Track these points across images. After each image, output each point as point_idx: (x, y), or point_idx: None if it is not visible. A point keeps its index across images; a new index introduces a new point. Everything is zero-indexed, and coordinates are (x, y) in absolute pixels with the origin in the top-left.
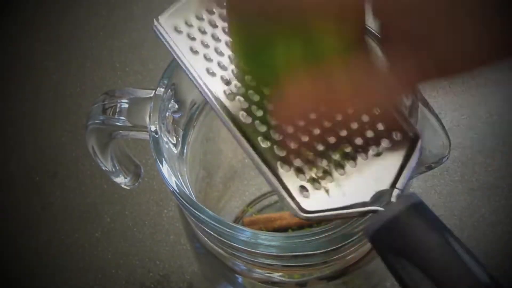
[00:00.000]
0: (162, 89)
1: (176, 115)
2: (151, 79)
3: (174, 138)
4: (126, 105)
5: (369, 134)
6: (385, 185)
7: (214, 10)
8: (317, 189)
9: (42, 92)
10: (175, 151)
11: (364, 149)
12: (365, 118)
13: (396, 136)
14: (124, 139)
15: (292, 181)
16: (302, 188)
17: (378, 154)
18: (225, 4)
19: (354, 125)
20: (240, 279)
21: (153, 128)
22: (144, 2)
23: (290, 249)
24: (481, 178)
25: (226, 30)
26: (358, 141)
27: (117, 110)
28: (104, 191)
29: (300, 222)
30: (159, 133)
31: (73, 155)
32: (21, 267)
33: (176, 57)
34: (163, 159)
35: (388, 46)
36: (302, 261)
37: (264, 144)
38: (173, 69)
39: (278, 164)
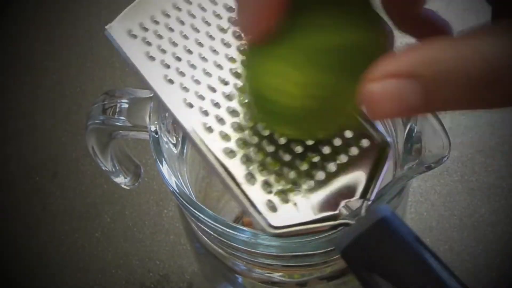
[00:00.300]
0: None
1: None
2: None
3: (174, 138)
4: (126, 105)
5: (337, 142)
6: (355, 196)
7: (169, 13)
8: (285, 202)
9: (42, 92)
10: (175, 151)
11: (332, 158)
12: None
13: (365, 143)
14: (124, 139)
15: (258, 195)
16: (270, 203)
17: (347, 164)
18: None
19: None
20: (240, 279)
21: (153, 128)
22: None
23: (290, 249)
24: (481, 178)
25: (183, 34)
26: (326, 149)
27: (117, 110)
28: (104, 191)
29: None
30: (159, 133)
31: (73, 155)
32: (21, 267)
33: (130, 64)
34: (163, 159)
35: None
36: (302, 261)
37: (230, 158)
38: None
39: (243, 178)
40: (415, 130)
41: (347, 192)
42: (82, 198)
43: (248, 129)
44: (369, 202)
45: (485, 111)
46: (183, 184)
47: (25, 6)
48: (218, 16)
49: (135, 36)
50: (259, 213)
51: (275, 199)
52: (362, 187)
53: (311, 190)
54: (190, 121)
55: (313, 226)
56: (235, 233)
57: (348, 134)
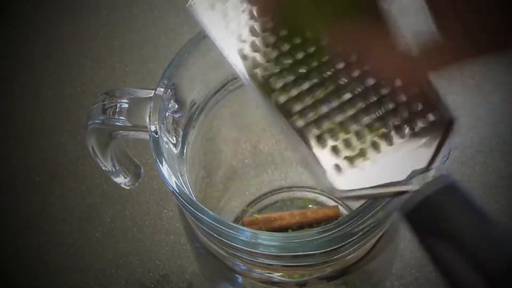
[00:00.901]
0: (162, 89)
1: (176, 115)
2: (151, 79)
3: (174, 138)
4: (126, 105)
5: (405, 114)
6: (420, 165)
7: None
8: (352, 167)
9: (42, 92)
10: (175, 151)
11: (399, 128)
12: (402, 97)
13: (432, 117)
14: (124, 139)
15: (327, 159)
16: (337, 167)
17: (413, 134)
18: None
19: (391, 105)
20: (240, 279)
21: (153, 128)
22: (144, 2)
23: (290, 249)
24: (481, 178)
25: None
26: (394, 120)
27: (117, 110)
28: (104, 191)
29: (300, 222)
30: (159, 133)
31: (73, 155)
32: (21, 267)
33: (210, 36)
34: (163, 159)
35: (435, 13)
36: (302, 261)
37: (300, 122)
38: (173, 69)
39: (313, 142)
40: None
41: (412, 161)
42: (82, 198)
43: (321, 95)
44: (433, 171)
45: (484, 110)
46: (183, 184)
47: (25, 6)
48: None
49: (215, 10)
50: (327, 175)
51: (343, 163)
52: (427, 157)
53: (378, 157)
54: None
55: (378, 191)
56: (235, 233)
57: (417, 107)
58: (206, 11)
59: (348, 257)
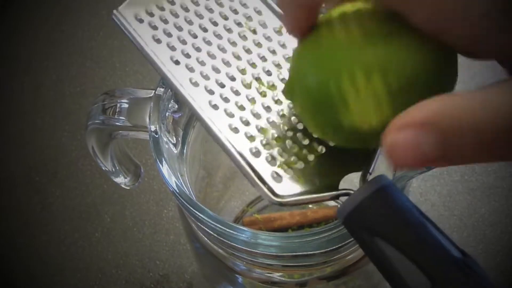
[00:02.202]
0: (162, 89)
1: (176, 115)
2: (151, 79)
3: (174, 138)
4: (126, 105)
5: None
6: (355, 168)
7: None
8: (289, 173)
9: (42, 92)
10: (175, 151)
11: None
12: None
13: None
14: (124, 139)
15: (263, 167)
16: (275, 174)
17: None
18: None
19: None
20: (240, 279)
21: (153, 128)
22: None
23: (290, 249)
24: (481, 178)
25: (188, 20)
26: None
27: (117, 110)
28: (104, 191)
29: (300, 222)
30: (159, 133)
31: (73, 155)
32: (21, 267)
33: (138, 46)
34: (163, 159)
35: None
36: (302, 261)
37: (234, 131)
38: None
39: (249, 151)
40: None
41: (348, 164)
42: (82, 198)
43: (252, 107)
44: (369, 173)
45: None
46: (183, 184)
47: (25, 6)
48: (220, 4)
49: (141, 21)
50: (265, 183)
51: (280, 171)
52: (361, 160)
53: (314, 162)
54: (197, 99)
55: (316, 195)
56: (235, 233)
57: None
58: (132, 21)
59: (348, 257)
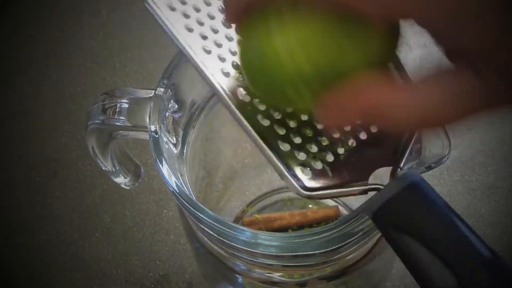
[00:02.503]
0: (162, 89)
1: (176, 115)
2: (151, 79)
3: (174, 138)
4: (126, 105)
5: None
6: (385, 163)
7: None
8: (318, 167)
9: (42, 92)
10: (175, 151)
11: (365, 127)
12: None
13: None
14: (124, 139)
15: (293, 159)
16: (304, 166)
17: (379, 133)
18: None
19: None
20: (240, 279)
21: (153, 128)
22: (144, 2)
23: (290, 249)
24: (481, 178)
25: (220, 8)
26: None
27: (117, 110)
28: (104, 191)
29: (300, 222)
30: (159, 133)
31: (73, 155)
32: (21, 267)
33: (170, 35)
34: (163, 159)
35: (451, 59)
36: (302, 261)
37: (264, 123)
38: (173, 69)
39: (279, 142)
40: None
41: (378, 159)
42: (82, 198)
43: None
44: (399, 169)
45: None
46: (183, 184)
47: (25, 6)
48: None
49: (174, 9)
50: (294, 175)
51: (309, 163)
52: (392, 156)
53: (344, 156)
54: (230, 93)
55: (344, 189)
56: (235, 233)
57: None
58: (166, 10)
59: (348, 257)
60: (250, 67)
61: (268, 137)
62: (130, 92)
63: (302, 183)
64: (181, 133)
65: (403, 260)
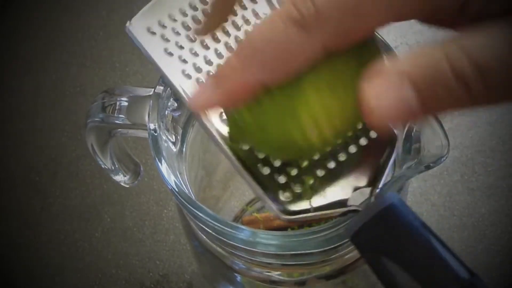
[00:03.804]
0: (162, 87)
1: (176, 114)
2: (151, 79)
3: (173, 137)
4: (126, 103)
5: (348, 133)
6: (364, 183)
7: (187, 11)
8: (298, 190)
9: (42, 92)
10: (174, 150)
11: (343, 148)
12: None
13: (374, 134)
14: (123, 137)
15: (273, 182)
16: (283, 190)
17: (356, 154)
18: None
19: None
20: (239, 278)
21: (152, 126)
22: (144, 2)
23: (289, 248)
24: (481, 178)
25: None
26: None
27: (117, 108)
28: (104, 191)
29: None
30: (158, 131)
31: (73, 155)
32: (21, 267)
33: (149, 59)
34: (162, 158)
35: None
36: (301, 259)
37: (244, 147)
38: None
39: (259, 166)
40: (414, 130)
41: (356, 180)
42: (82, 198)
43: None
44: (377, 190)
45: (484, 111)
46: (182, 183)
47: (25, 6)
48: (234, 12)
49: (154, 33)
50: (273, 199)
51: (289, 187)
52: (370, 176)
53: (322, 178)
54: (210, 116)
55: (324, 212)
56: (234, 232)
57: (358, 125)
58: (145, 34)
59: (347, 256)
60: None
61: (247, 160)
62: (130, 90)
63: (282, 207)
64: (180, 131)
65: (382, 282)
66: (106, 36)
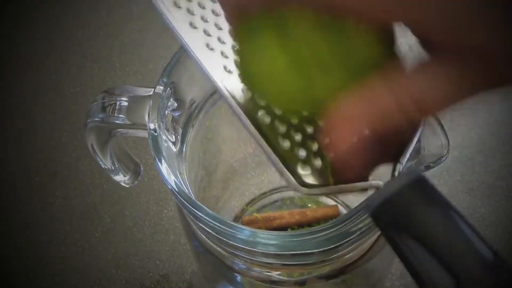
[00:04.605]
0: (162, 87)
1: (176, 114)
2: (151, 79)
3: (173, 137)
4: (126, 103)
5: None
6: (386, 159)
7: None
8: (317, 164)
9: (42, 92)
10: (174, 150)
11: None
12: None
13: None
14: (123, 137)
15: (293, 156)
16: (303, 163)
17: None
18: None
19: None
20: (239, 278)
21: (152, 126)
22: (144, 2)
23: (289, 248)
24: (481, 178)
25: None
26: None
27: (117, 108)
28: (104, 191)
29: (300, 221)
30: (158, 131)
31: (73, 155)
32: (21, 267)
33: (175, 32)
34: (162, 158)
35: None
36: (301, 259)
37: (265, 119)
38: (172, 67)
39: (279, 139)
40: None
41: (379, 156)
42: (82, 198)
43: None
44: (401, 166)
45: (484, 111)
46: (182, 182)
47: (25, 6)
48: None
49: (179, 8)
50: (293, 172)
51: (309, 161)
52: (394, 152)
53: None
54: (231, 89)
55: (344, 186)
56: (234, 231)
57: None
58: (171, 7)
59: (347, 256)
60: (255, 80)
61: (268, 134)
62: (130, 90)
63: (301, 179)
64: (180, 131)
65: (402, 260)
66: (106, 36)
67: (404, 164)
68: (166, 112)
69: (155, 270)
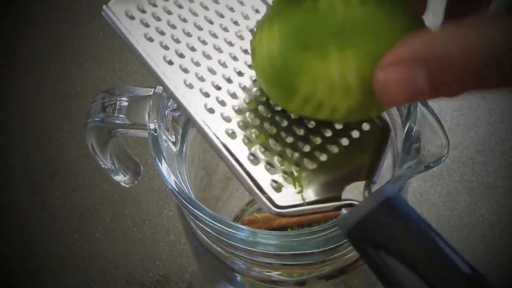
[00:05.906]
0: (162, 87)
1: (176, 114)
2: (151, 79)
3: (173, 137)
4: (126, 103)
5: (339, 125)
6: (359, 178)
7: None
8: (289, 182)
9: (42, 92)
10: (174, 150)
11: (334, 141)
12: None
13: (366, 127)
14: (123, 137)
15: (263, 175)
16: (274, 183)
17: (350, 147)
18: None
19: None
20: (239, 277)
21: (152, 126)
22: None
23: (288, 248)
24: (481, 178)
25: (182, 17)
26: (328, 132)
27: (117, 108)
28: (104, 191)
29: (300, 221)
30: (158, 131)
31: (73, 155)
32: (21, 267)
33: (129, 45)
34: (162, 158)
35: None
36: (300, 259)
37: (232, 139)
38: None
39: (247, 158)
40: (414, 130)
41: (351, 174)
42: (82, 198)
43: (249, 112)
44: (373, 184)
45: (484, 111)
46: (182, 182)
47: (25, 6)
48: (216, 1)
49: (133, 18)
50: (264, 192)
51: (279, 179)
52: (365, 170)
53: (315, 171)
54: (192, 102)
55: (317, 206)
56: (234, 231)
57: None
58: (124, 18)
59: (347, 256)
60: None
61: (237, 154)
62: (130, 90)
63: (273, 200)
64: (180, 131)
65: (380, 277)
66: (106, 36)
67: (375, 181)
68: (166, 112)
69: (155, 270)
